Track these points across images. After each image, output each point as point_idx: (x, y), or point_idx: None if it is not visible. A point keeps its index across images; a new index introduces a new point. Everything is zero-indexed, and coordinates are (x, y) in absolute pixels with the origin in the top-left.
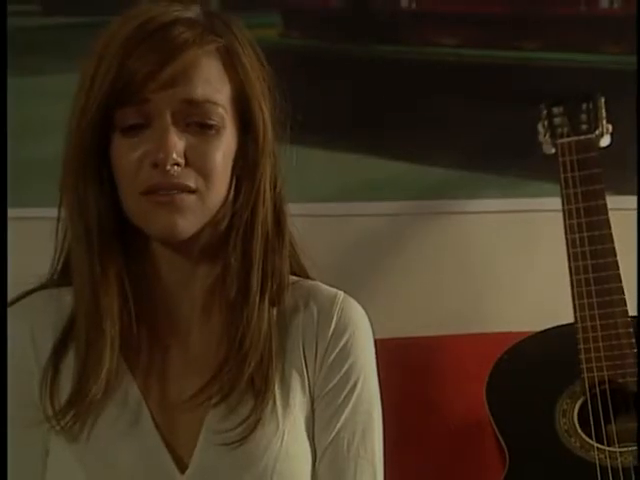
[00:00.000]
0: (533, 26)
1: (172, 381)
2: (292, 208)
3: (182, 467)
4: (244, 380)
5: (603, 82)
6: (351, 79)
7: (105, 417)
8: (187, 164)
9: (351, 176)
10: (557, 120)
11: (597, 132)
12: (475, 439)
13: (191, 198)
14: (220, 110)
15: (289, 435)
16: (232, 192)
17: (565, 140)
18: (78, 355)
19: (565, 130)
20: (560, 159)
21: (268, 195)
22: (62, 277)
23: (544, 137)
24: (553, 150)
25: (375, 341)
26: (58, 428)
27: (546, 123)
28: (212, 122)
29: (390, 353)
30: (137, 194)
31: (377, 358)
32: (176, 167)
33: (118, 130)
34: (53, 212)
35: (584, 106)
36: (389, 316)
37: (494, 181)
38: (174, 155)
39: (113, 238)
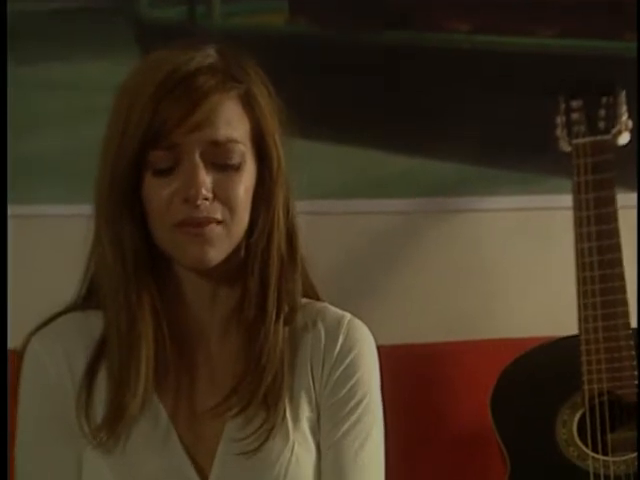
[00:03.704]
0: (550, 11)
1: (196, 396)
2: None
3: (203, 476)
4: (261, 393)
5: (624, 70)
6: (359, 68)
7: (138, 432)
8: (214, 198)
9: (357, 171)
10: (575, 116)
11: (614, 131)
12: (483, 447)
13: (219, 229)
14: (241, 147)
15: (299, 446)
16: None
17: (580, 141)
18: (112, 376)
19: (582, 128)
20: (575, 161)
21: (282, 222)
22: (86, 300)
23: (561, 132)
24: (569, 149)
25: (382, 348)
26: (94, 444)
27: (564, 118)
28: (234, 162)
29: (398, 360)
30: (169, 226)
31: (384, 365)
32: (205, 202)
33: (150, 170)
34: (46, 209)
35: (604, 100)
36: (397, 320)
37: (509, 177)
38: (204, 191)
39: (146, 267)
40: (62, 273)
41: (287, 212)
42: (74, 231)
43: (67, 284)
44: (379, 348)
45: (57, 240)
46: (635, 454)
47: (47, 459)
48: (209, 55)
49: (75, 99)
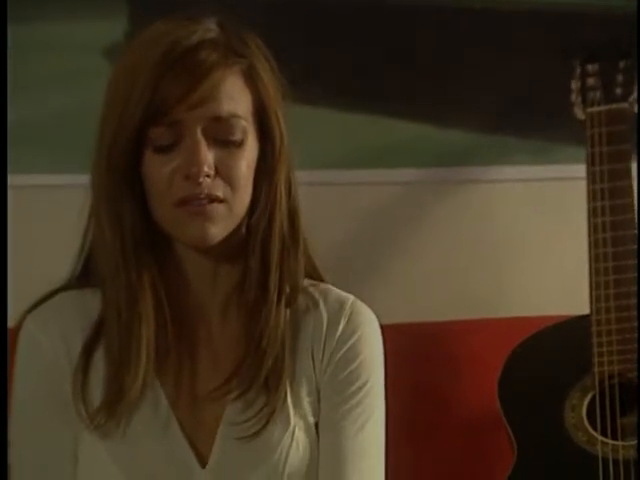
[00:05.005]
0: None
1: (197, 378)
2: None
3: (203, 462)
4: (262, 377)
5: None
6: (364, 29)
7: (139, 418)
8: (215, 175)
9: (360, 139)
10: (590, 81)
11: (631, 98)
12: (490, 431)
13: (220, 207)
14: (243, 122)
15: (299, 430)
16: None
17: (595, 109)
18: (111, 357)
19: (597, 95)
20: (589, 131)
21: (284, 200)
22: (82, 278)
23: (576, 99)
24: (584, 117)
25: (386, 327)
26: (92, 427)
27: (579, 83)
28: (236, 138)
29: (402, 340)
30: (170, 205)
31: (388, 345)
32: (207, 179)
33: (150, 147)
34: (43, 179)
35: (621, 64)
36: (402, 298)
37: (521, 145)
38: (206, 168)
39: (146, 246)
40: (62, 245)
41: (289, 190)
42: (72, 202)
43: (67, 256)
44: (382, 327)
45: (55, 211)
46: None
47: (42, 438)
48: (210, 29)
49: (66, 60)
